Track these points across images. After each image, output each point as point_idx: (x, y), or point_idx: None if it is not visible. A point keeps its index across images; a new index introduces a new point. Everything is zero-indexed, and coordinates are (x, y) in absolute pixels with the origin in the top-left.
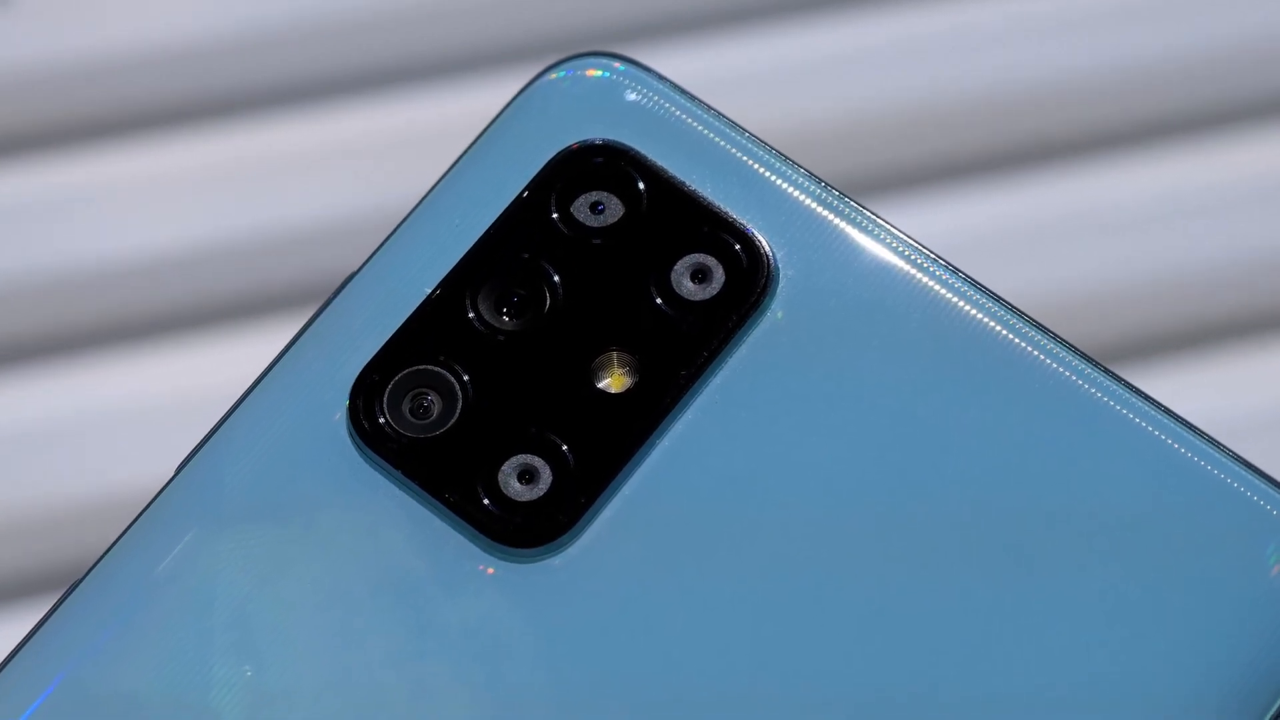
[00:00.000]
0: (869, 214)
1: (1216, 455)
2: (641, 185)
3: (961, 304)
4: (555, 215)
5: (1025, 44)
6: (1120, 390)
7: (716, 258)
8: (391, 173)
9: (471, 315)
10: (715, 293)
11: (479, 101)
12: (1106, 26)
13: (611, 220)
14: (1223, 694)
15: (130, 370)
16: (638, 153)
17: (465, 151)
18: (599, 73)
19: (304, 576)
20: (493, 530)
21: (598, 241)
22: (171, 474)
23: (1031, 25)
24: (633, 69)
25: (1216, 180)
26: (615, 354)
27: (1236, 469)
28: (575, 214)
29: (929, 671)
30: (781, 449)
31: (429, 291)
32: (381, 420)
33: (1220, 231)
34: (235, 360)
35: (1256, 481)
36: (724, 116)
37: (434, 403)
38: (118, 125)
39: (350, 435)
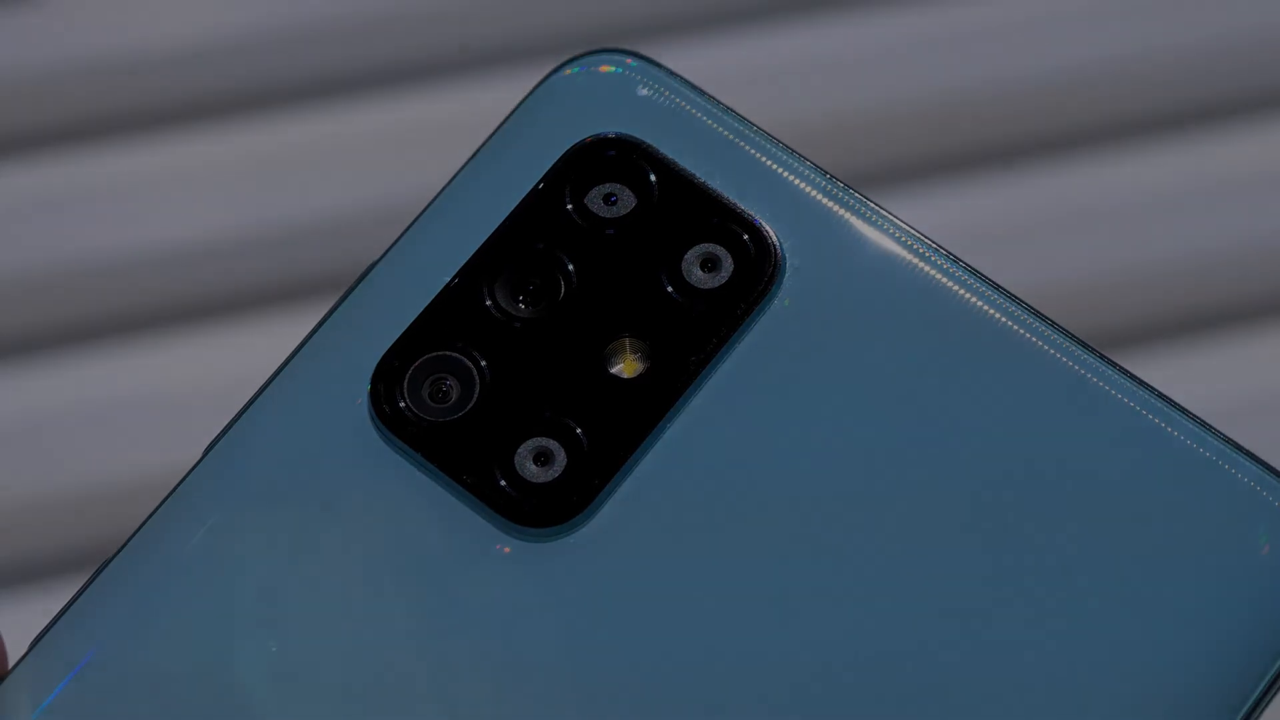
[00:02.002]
0: (873, 206)
1: (1210, 439)
2: (653, 177)
3: (963, 293)
4: (569, 206)
5: (1025, 41)
6: (1117, 376)
7: (726, 247)
8: (410, 166)
9: (489, 303)
10: (724, 281)
11: (495, 97)
12: (1107, 24)
13: (624, 211)
14: (1216, 669)
15: (158, 356)
16: (649, 146)
17: (482, 145)
18: (612, 68)
19: (326, 557)
20: (509, 511)
21: (611, 232)
22: (199, 456)
23: (1032, 23)
24: (645, 65)
25: (1210, 174)
26: (628, 340)
27: (1229, 452)
28: (589, 205)
29: (935, 644)
30: (788, 433)
31: (447, 280)
32: (401, 404)
33: (1214, 223)
34: (260, 347)
35: (1248, 464)
36: (733, 111)
37: (452, 387)
38: (145, 120)
39: (371, 419)
